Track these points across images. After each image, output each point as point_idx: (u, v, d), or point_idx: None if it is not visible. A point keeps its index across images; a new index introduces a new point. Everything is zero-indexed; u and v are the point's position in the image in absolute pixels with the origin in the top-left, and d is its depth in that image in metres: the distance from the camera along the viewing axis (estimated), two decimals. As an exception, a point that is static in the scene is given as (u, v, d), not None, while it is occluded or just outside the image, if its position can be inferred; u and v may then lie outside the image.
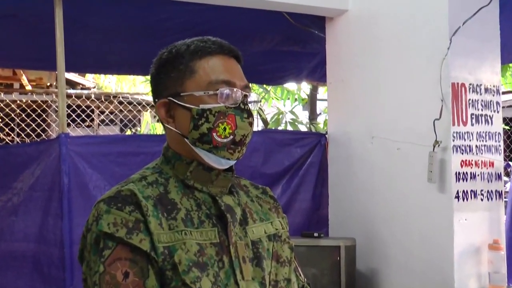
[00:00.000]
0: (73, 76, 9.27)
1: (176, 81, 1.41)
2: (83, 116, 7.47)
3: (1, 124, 7.61)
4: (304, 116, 8.54)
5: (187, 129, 1.39)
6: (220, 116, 1.37)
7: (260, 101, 7.41)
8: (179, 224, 1.33)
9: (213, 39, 1.45)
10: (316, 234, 3.37)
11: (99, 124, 9.61)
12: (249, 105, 1.43)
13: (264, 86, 7.02)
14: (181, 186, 1.41)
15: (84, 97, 7.67)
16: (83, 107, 7.44)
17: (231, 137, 1.38)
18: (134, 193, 1.32)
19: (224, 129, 1.37)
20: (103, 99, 7.84)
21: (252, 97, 1.46)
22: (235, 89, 1.40)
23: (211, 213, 1.39)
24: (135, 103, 8.10)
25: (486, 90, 3.04)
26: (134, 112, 8.09)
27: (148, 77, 1.56)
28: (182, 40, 1.47)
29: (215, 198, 1.41)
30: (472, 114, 2.99)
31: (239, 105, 1.39)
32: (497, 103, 3.09)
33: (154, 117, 8.99)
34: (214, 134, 1.37)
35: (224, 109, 1.38)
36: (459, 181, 2.92)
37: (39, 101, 7.46)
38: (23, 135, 7.49)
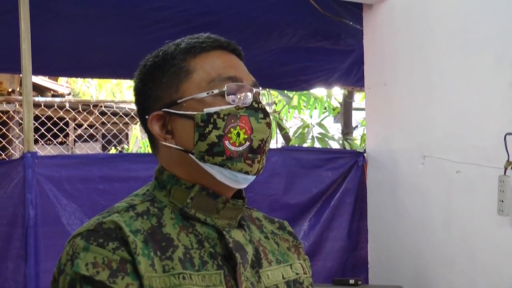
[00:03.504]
0: (42, 80, 9.35)
1: (169, 88, 1.43)
2: (55, 130, 7.50)
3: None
4: (336, 129, 8.54)
5: (191, 141, 1.40)
6: (230, 119, 1.38)
7: (273, 104, 7.45)
8: (175, 266, 1.32)
9: (206, 34, 1.48)
10: (352, 281, 3.36)
11: (75, 141, 9.66)
12: (263, 103, 1.44)
13: (286, 92, 7.03)
14: (178, 217, 1.41)
15: (56, 107, 7.70)
16: (55, 119, 7.47)
17: (248, 143, 1.39)
18: (119, 226, 1.32)
19: (238, 134, 1.38)
20: (80, 109, 7.87)
21: (264, 99, 1.47)
22: (244, 86, 1.42)
23: (216, 252, 1.39)
24: (121, 113, 8.12)
25: None
26: (120, 125, 8.11)
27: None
28: (168, 43, 1.49)
29: (222, 232, 1.41)
30: (556, 127, 2.96)
31: (252, 104, 1.41)
32: None
33: (146, 131, 9.02)
34: (227, 142, 1.38)
35: (234, 111, 1.39)
36: (539, 214, 2.88)
37: (-2, 112, 7.52)
38: (-24, 154, 7.54)
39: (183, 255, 1.34)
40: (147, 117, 1.46)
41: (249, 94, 1.41)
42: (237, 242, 1.41)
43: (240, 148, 1.38)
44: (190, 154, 1.40)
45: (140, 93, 1.49)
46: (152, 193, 1.46)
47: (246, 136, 1.38)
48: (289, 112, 7.69)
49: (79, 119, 7.87)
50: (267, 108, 1.47)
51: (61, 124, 7.55)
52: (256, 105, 1.41)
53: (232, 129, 1.38)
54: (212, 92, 1.39)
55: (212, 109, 1.38)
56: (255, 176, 1.43)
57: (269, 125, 1.42)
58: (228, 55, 1.46)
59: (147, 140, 1.57)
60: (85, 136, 8.28)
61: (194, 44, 1.44)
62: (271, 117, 1.46)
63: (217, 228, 1.41)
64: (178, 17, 3.93)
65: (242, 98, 1.40)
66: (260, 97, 1.47)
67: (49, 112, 7.36)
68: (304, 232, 3.79)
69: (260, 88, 1.47)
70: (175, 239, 1.36)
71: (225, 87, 1.39)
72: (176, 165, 1.44)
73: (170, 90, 1.42)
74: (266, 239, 1.54)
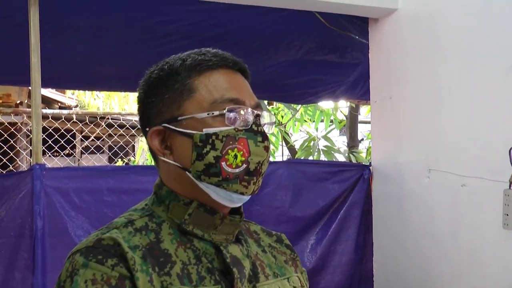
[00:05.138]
0: (49, 93, 9.37)
1: (171, 104, 1.44)
2: (62, 142, 7.51)
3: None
4: (341, 142, 8.53)
5: (189, 160, 1.41)
6: (229, 141, 1.39)
7: (275, 123, 7.42)
8: (173, 281, 1.33)
9: (212, 50, 1.48)
10: (357, 294, 3.35)
11: (82, 153, 9.67)
12: (263, 126, 1.45)
13: (292, 105, 7.03)
14: (176, 233, 1.42)
15: (63, 119, 7.72)
16: (62, 131, 7.49)
17: (244, 165, 1.40)
18: (118, 243, 1.33)
19: (235, 156, 1.39)
20: (87, 121, 7.88)
21: (265, 118, 1.48)
22: (245, 108, 1.42)
23: (214, 267, 1.40)
24: (127, 126, 8.13)
25: None
26: (127, 137, 8.13)
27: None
28: (175, 55, 1.50)
29: (219, 248, 1.42)
30: (562, 141, 2.95)
31: (251, 127, 1.41)
32: None
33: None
34: (223, 163, 1.39)
35: (233, 133, 1.40)
36: (545, 227, 2.87)
37: (6, 123, 7.53)
38: (-16, 166, 7.54)
39: (181, 271, 1.35)
40: (147, 129, 1.47)
41: (250, 117, 1.41)
42: (235, 257, 1.42)
43: (237, 170, 1.39)
44: (187, 172, 1.41)
45: (143, 104, 1.50)
46: (151, 207, 1.47)
47: (244, 159, 1.39)
48: (295, 125, 7.69)
49: (86, 131, 7.89)
50: (268, 129, 1.47)
51: (68, 136, 7.57)
52: (255, 128, 1.42)
53: (229, 151, 1.38)
54: (213, 113, 1.40)
55: (211, 130, 1.39)
56: (250, 196, 1.44)
57: (267, 148, 1.43)
58: (233, 75, 1.46)
59: (152, 151, 1.58)
60: (92, 148, 8.29)
61: (200, 61, 1.44)
62: (275, 131, 1.46)
63: (215, 243, 1.42)
64: (186, 30, 3.94)
65: (242, 120, 1.41)
66: (264, 113, 1.48)
67: (57, 124, 7.38)
68: (311, 246, 3.77)
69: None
70: (173, 255, 1.37)
71: (226, 109, 1.39)
72: (173, 180, 1.46)
73: (172, 106, 1.43)
74: (264, 253, 1.55)
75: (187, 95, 1.42)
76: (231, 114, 1.40)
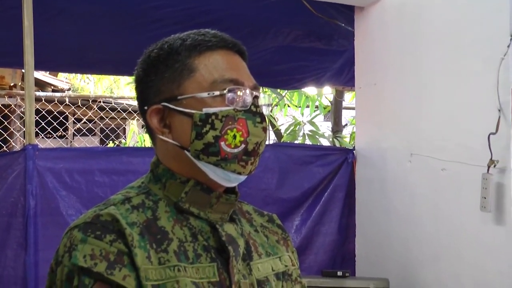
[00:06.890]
0: (42, 76, 9.30)
1: (171, 83, 1.42)
2: (55, 124, 7.47)
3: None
4: (326, 127, 8.53)
5: (188, 139, 1.40)
6: (228, 121, 1.38)
7: (272, 104, 7.44)
8: (171, 258, 1.32)
9: (212, 31, 1.47)
10: (340, 273, 3.35)
11: (74, 134, 9.63)
12: (261, 108, 1.44)
13: (278, 90, 7.02)
14: (173, 211, 1.41)
15: (56, 101, 7.67)
16: (55, 113, 7.44)
17: (243, 146, 1.39)
18: (116, 219, 1.32)
19: (234, 136, 1.38)
20: (79, 103, 7.84)
21: (263, 99, 1.48)
22: (244, 89, 1.41)
23: (209, 245, 1.39)
24: (119, 109, 8.08)
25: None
26: (118, 120, 8.09)
27: (135, 78, 1.55)
28: (174, 35, 1.48)
29: (215, 226, 1.41)
30: (538, 128, 2.95)
31: (250, 108, 1.41)
32: None
33: (142, 126, 9.02)
34: (222, 143, 1.38)
35: (233, 113, 1.39)
36: (521, 210, 2.88)
37: (0, 105, 7.48)
38: (-22, 146, 7.49)
39: (178, 248, 1.35)
40: (146, 108, 1.45)
41: (249, 98, 1.41)
42: (230, 236, 1.42)
43: (235, 150, 1.38)
44: (185, 151, 1.40)
45: (141, 83, 1.48)
46: (147, 185, 1.46)
47: (242, 139, 1.38)
48: (282, 110, 7.68)
49: (78, 113, 7.85)
50: (265, 109, 1.47)
51: (60, 118, 7.52)
52: (254, 109, 1.41)
53: (229, 131, 1.38)
54: (213, 93, 1.39)
55: (211, 110, 1.38)
56: (246, 176, 1.43)
57: (265, 129, 1.43)
58: (232, 56, 1.45)
59: (144, 134, 1.57)
60: (84, 130, 8.25)
61: (199, 41, 1.43)
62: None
63: (210, 221, 1.42)
64: (179, 16, 3.92)
65: (241, 101, 1.40)
66: (262, 95, 1.47)
67: (50, 106, 7.33)
68: (296, 226, 3.79)
69: (261, 90, 1.47)
70: (170, 232, 1.37)
71: (226, 90, 1.39)
72: (171, 159, 1.44)
73: (171, 85, 1.42)
74: (256, 232, 1.55)
75: (187, 74, 1.41)
76: (231, 95, 1.39)
